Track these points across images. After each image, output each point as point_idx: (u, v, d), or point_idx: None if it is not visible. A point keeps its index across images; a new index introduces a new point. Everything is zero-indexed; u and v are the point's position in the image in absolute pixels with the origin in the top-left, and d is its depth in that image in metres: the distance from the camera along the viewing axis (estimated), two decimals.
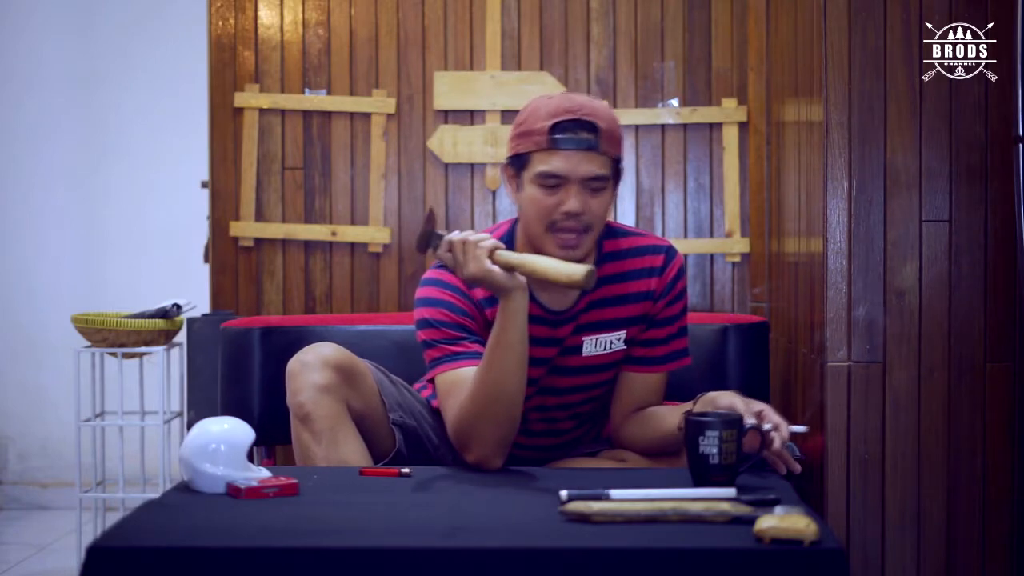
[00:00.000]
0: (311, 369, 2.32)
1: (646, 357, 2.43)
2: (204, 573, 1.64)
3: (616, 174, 2.31)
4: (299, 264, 3.95)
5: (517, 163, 2.31)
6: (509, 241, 2.39)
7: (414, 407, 2.50)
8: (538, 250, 2.30)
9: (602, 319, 2.39)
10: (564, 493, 1.86)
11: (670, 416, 2.33)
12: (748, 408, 2.17)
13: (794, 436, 2.25)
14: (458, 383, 2.26)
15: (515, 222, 2.41)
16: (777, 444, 2.13)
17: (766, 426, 2.14)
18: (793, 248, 2.97)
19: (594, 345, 2.40)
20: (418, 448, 2.46)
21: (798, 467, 2.17)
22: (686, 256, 3.79)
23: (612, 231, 2.43)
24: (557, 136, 2.24)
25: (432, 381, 2.37)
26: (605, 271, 2.38)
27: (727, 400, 2.19)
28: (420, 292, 2.38)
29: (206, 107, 3.98)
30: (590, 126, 2.25)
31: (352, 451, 2.33)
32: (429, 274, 2.40)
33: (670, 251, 2.43)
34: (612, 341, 2.40)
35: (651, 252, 2.42)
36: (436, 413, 2.53)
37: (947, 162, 2.49)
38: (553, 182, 2.26)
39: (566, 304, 2.37)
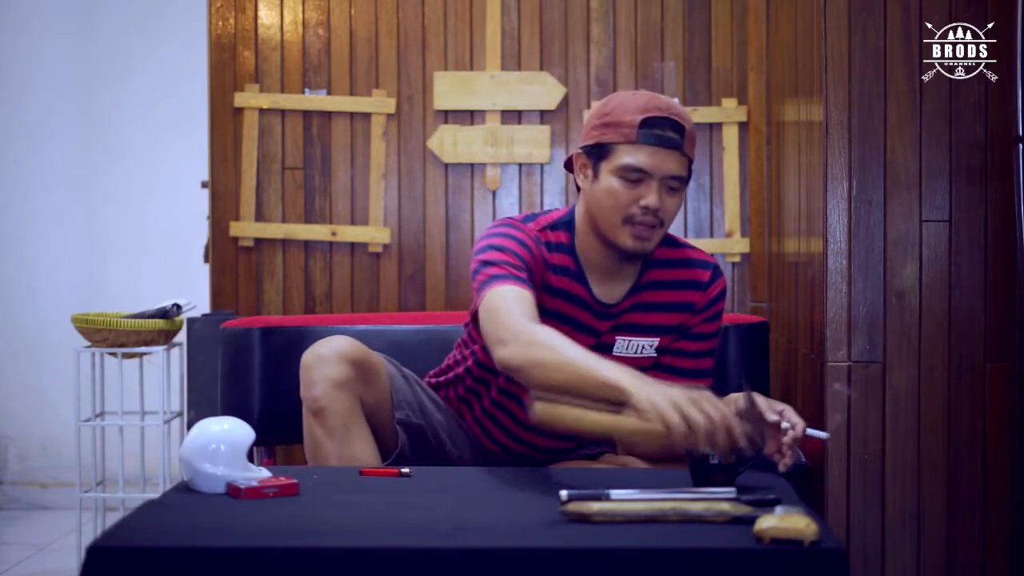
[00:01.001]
0: (327, 363, 2.30)
1: (671, 366, 2.43)
2: (204, 573, 1.64)
3: (689, 177, 2.33)
4: (299, 264, 3.95)
5: (596, 152, 2.30)
6: (568, 225, 2.39)
7: (424, 403, 2.49)
8: (605, 240, 2.31)
9: (640, 322, 2.39)
10: (564, 493, 1.86)
11: None
12: (771, 407, 2.17)
13: (816, 440, 2.26)
14: (512, 297, 2.17)
15: (572, 209, 2.41)
16: (787, 440, 2.13)
17: (784, 424, 2.14)
18: (793, 248, 2.97)
19: (625, 347, 2.40)
20: (423, 447, 2.46)
21: (788, 464, 2.16)
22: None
23: (665, 239, 2.43)
24: (646, 131, 2.25)
25: (480, 300, 2.25)
26: (652, 276, 2.39)
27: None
28: (494, 230, 2.34)
29: (206, 107, 3.98)
30: (678, 126, 2.26)
31: (364, 449, 2.32)
32: (505, 220, 2.38)
33: (717, 270, 2.44)
34: (644, 346, 2.41)
35: (699, 266, 2.43)
36: (446, 409, 2.53)
37: (947, 162, 2.50)
38: (636, 176, 2.26)
39: (614, 298, 2.38)
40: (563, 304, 2.35)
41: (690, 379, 2.44)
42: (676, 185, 2.28)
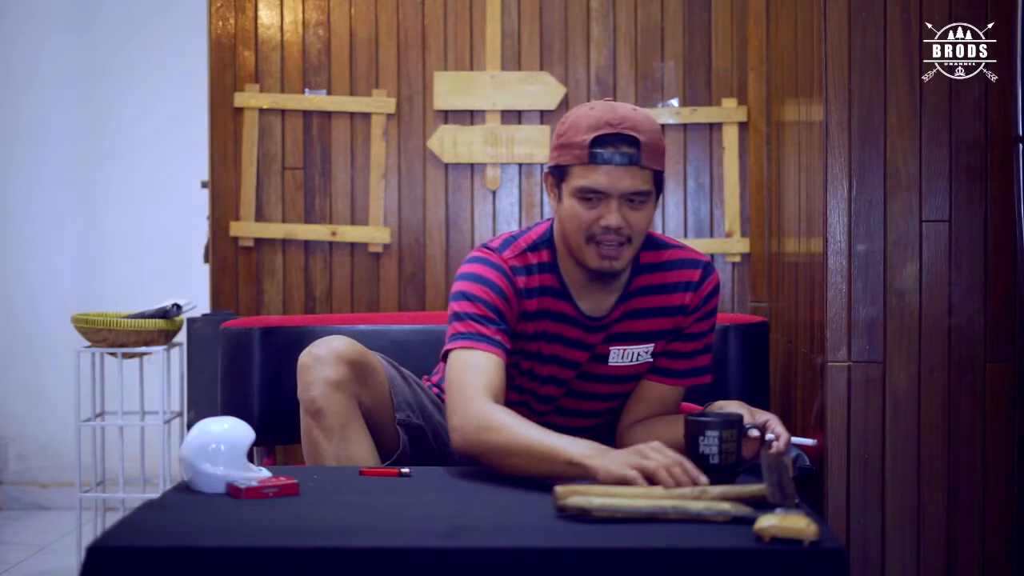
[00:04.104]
0: (323, 364, 2.30)
1: (667, 369, 2.42)
2: (204, 573, 1.64)
3: (660, 186, 2.27)
4: (299, 264, 3.95)
5: (558, 174, 2.28)
6: (549, 243, 2.38)
7: (424, 405, 2.49)
8: (578, 260, 2.29)
9: (633, 330, 2.38)
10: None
11: (678, 424, 2.32)
12: (753, 418, 2.17)
13: (804, 448, 2.25)
14: (473, 367, 2.21)
15: (551, 225, 2.39)
16: (771, 452, 2.12)
17: (768, 436, 2.14)
18: (793, 248, 2.97)
19: (621, 356, 2.39)
20: (424, 447, 2.46)
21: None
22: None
23: (652, 241, 2.40)
24: (597, 151, 2.20)
25: (447, 353, 2.29)
26: (640, 283, 2.37)
27: (733, 409, 2.19)
28: (467, 267, 2.33)
29: (206, 107, 3.98)
30: (631, 140, 2.20)
31: (361, 449, 2.32)
32: (479, 252, 2.36)
33: (708, 267, 2.40)
34: (640, 353, 2.39)
35: (689, 266, 2.39)
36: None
37: (947, 162, 2.49)
38: (593, 196, 2.22)
39: (601, 311, 2.36)
40: (548, 324, 2.34)
41: (687, 380, 2.44)
42: (639, 200, 2.23)
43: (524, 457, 2.06)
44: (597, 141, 2.20)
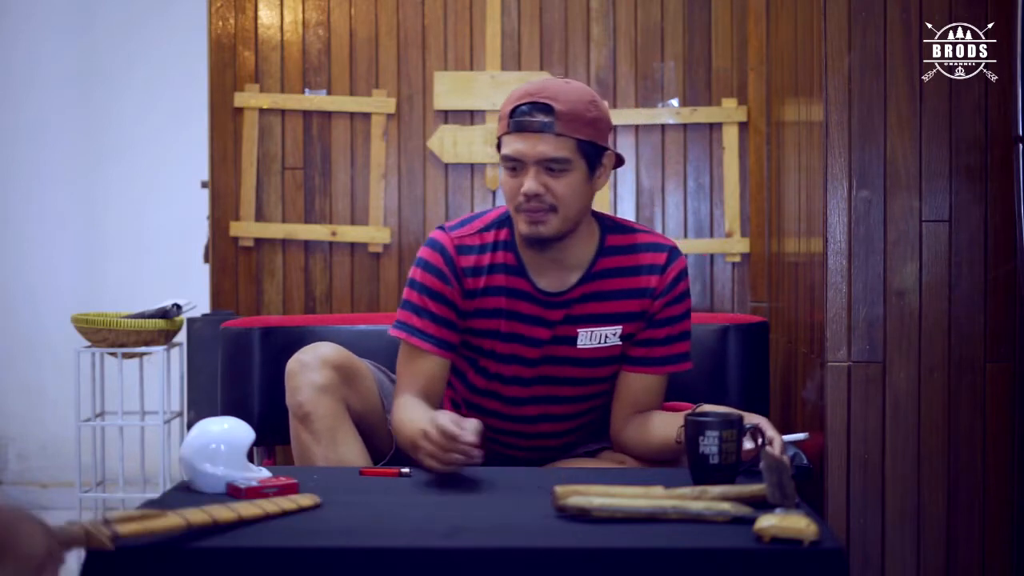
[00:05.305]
0: (310, 369, 2.34)
1: (644, 357, 2.42)
2: (204, 573, 1.64)
3: (591, 157, 2.30)
4: (299, 264, 3.95)
5: (498, 148, 2.37)
6: (508, 221, 2.41)
7: None
8: (518, 230, 2.36)
9: (597, 312, 2.39)
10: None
11: (669, 424, 2.32)
12: (745, 421, 2.16)
13: (799, 444, 2.25)
14: (404, 365, 2.39)
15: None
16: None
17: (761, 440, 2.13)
18: (793, 248, 2.97)
19: (589, 338, 2.40)
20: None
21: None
22: (686, 256, 3.79)
23: (618, 226, 2.44)
24: (515, 120, 2.28)
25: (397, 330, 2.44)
26: (605, 264, 2.39)
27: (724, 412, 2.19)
28: (422, 251, 2.44)
29: (206, 107, 3.98)
30: (546, 108, 2.26)
31: (351, 451, 2.33)
32: (432, 234, 2.45)
33: (673, 251, 2.42)
34: (607, 335, 2.40)
35: (654, 249, 2.41)
36: None
37: (947, 162, 2.50)
38: (512, 164, 2.30)
39: (559, 288, 2.38)
40: (503, 300, 2.38)
41: (666, 367, 2.43)
42: (557, 167, 2.27)
43: (407, 445, 2.25)
44: (516, 110, 2.29)
